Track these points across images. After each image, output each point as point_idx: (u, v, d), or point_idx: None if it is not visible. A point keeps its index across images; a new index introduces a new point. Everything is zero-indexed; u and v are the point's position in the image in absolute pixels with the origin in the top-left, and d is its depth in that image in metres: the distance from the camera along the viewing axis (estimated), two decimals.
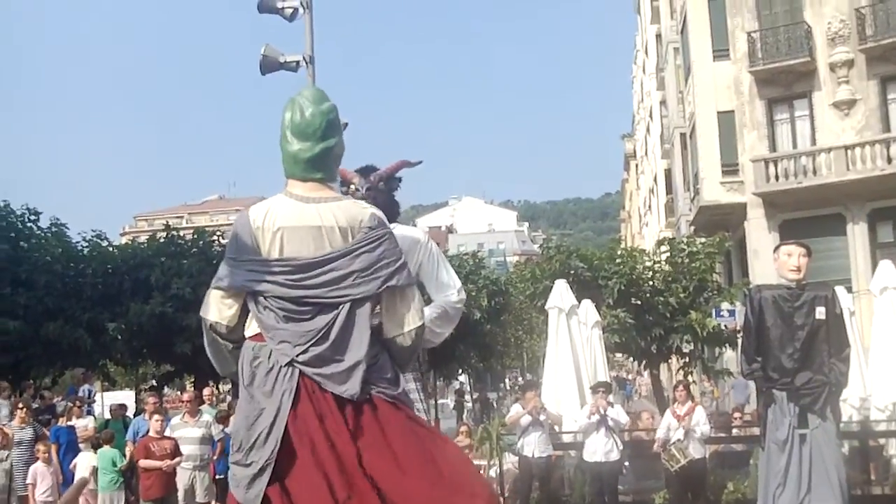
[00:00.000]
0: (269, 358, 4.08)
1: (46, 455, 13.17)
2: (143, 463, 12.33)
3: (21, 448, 13.70)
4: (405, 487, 3.93)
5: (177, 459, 12.41)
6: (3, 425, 14.70)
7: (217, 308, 4.27)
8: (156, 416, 13.00)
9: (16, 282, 22.71)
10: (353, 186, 5.71)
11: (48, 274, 23.13)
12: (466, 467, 4.16)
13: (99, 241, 25.57)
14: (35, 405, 17.41)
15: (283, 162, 4.30)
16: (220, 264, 4.29)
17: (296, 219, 4.16)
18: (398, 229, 5.66)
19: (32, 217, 24.80)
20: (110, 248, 26.11)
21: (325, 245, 4.13)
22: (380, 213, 4.32)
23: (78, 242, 25.50)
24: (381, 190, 5.68)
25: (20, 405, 14.88)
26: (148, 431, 13.09)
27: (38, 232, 24.89)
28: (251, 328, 4.21)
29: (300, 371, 4.01)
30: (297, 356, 4.01)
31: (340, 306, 4.08)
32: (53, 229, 25.16)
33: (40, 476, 12.87)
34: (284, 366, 4.03)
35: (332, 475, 3.90)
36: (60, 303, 22.93)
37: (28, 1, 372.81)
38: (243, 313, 4.22)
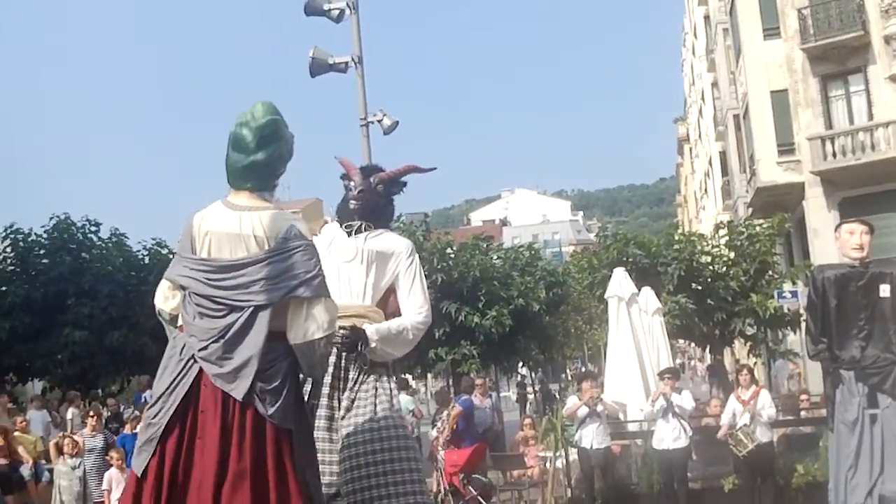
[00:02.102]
0: (181, 349, 4.39)
1: (121, 462, 13.39)
2: None
3: (93, 456, 13.96)
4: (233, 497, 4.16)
5: None
6: (75, 433, 15.00)
7: (163, 296, 4.72)
8: None
9: (79, 292, 23.09)
10: (351, 183, 5.75)
11: (110, 283, 23.48)
12: None
13: (159, 248, 25.90)
14: (105, 414, 17.69)
15: (225, 171, 4.63)
16: None
17: (221, 224, 4.46)
18: (386, 235, 5.67)
19: (93, 228, 25.17)
20: (170, 256, 26.38)
21: (240, 252, 4.41)
22: (301, 227, 4.53)
23: (138, 251, 25.86)
24: (377, 192, 5.70)
25: (91, 413, 15.14)
26: None
27: (99, 242, 25.26)
28: (180, 319, 4.55)
29: (200, 365, 4.30)
30: (198, 350, 4.30)
31: (244, 309, 4.32)
32: (114, 239, 25.52)
33: (115, 482, 13.09)
34: (189, 358, 4.33)
35: (193, 464, 4.21)
36: (124, 311, 23.27)
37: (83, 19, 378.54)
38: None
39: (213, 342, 4.30)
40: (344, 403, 5.25)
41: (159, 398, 4.40)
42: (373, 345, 5.22)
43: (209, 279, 4.41)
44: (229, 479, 4.18)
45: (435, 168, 6.23)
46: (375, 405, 5.25)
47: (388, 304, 5.58)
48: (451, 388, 23.82)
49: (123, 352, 22.70)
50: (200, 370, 4.32)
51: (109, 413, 18.06)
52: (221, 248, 4.45)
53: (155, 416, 4.34)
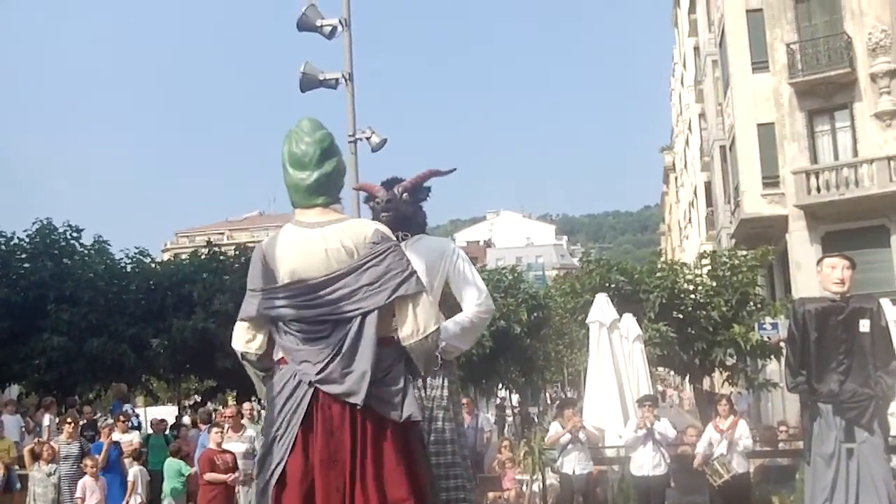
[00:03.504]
0: (292, 378, 4.31)
1: (94, 469, 13.31)
2: (208, 476, 12.37)
3: (68, 463, 13.86)
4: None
5: (237, 473, 12.49)
6: (50, 440, 14.90)
7: (243, 338, 4.52)
8: (215, 430, 13.11)
9: (60, 298, 23.02)
10: (378, 199, 5.78)
11: (91, 290, 23.42)
12: None
13: (142, 257, 25.87)
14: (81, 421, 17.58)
15: (287, 192, 4.56)
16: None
17: (302, 244, 4.38)
18: (425, 240, 5.73)
19: (75, 234, 25.16)
20: (153, 265, 26.39)
21: (333, 265, 4.33)
22: (383, 228, 4.51)
23: (121, 259, 25.81)
24: (406, 201, 5.73)
25: (68, 420, 15.05)
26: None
27: (81, 249, 25.20)
28: (277, 353, 4.46)
29: (316, 388, 4.23)
30: (315, 375, 4.23)
31: (353, 320, 4.27)
32: (96, 246, 25.48)
33: (89, 490, 13.02)
34: (306, 385, 4.25)
35: (329, 489, 4.14)
36: (104, 319, 23.20)
37: (75, 21, 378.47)
38: (271, 341, 4.46)
39: (329, 361, 4.25)
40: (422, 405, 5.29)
41: (275, 433, 4.30)
42: (443, 344, 5.25)
43: (305, 301, 4.34)
44: (371, 492, 4.14)
45: (455, 169, 6.18)
46: (444, 413, 5.32)
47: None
48: None
49: (102, 359, 22.60)
50: (314, 396, 4.25)
51: (85, 421, 17.94)
52: (311, 268, 4.36)
53: (274, 449, 4.27)
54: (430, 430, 5.24)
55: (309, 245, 4.37)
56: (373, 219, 5.79)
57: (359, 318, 4.27)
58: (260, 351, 4.50)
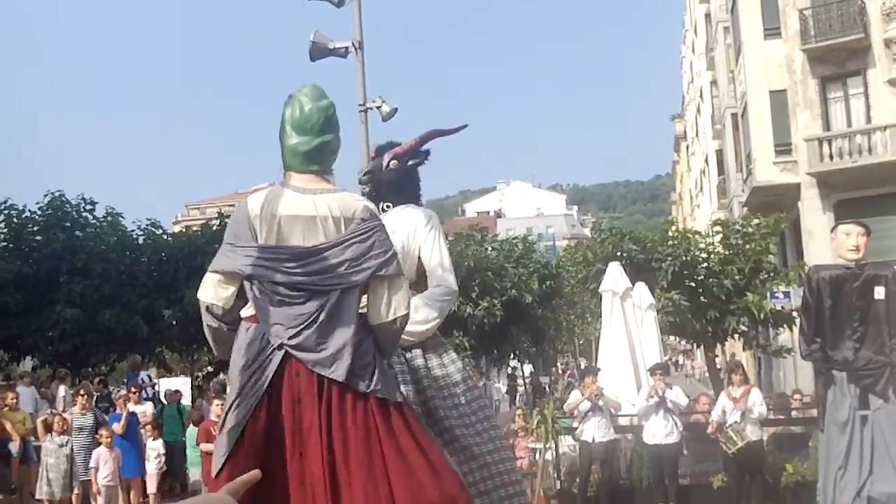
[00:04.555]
0: (261, 338, 4.30)
1: (109, 440, 13.36)
2: (203, 447, 12.46)
3: (82, 434, 13.91)
4: (350, 480, 4.10)
5: None
6: (64, 411, 14.96)
7: (214, 290, 4.49)
8: (216, 401, 13.18)
9: (72, 271, 23.04)
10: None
11: (104, 262, 23.43)
12: (415, 475, 4.18)
13: (153, 229, 25.87)
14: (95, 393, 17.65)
15: (283, 155, 4.53)
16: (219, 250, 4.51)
17: (293, 208, 4.37)
18: (405, 211, 5.58)
19: (88, 207, 25.13)
20: (164, 237, 26.38)
21: (320, 234, 4.34)
22: (372, 207, 4.50)
23: (133, 231, 25.80)
24: (392, 169, 5.57)
25: (81, 392, 15.10)
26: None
27: (94, 221, 25.20)
28: (247, 310, 4.41)
29: (287, 353, 4.23)
30: (287, 339, 4.22)
31: (331, 293, 4.28)
32: (109, 219, 25.47)
33: (103, 460, 13.09)
34: (276, 347, 4.25)
35: (291, 454, 4.13)
36: (116, 291, 23.22)
37: None
38: (239, 296, 4.43)
39: (304, 328, 4.24)
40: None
41: (240, 391, 4.28)
42: (425, 327, 5.18)
43: (286, 267, 4.32)
44: (340, 464, 4.12)
45: (466, 125, 6.02)
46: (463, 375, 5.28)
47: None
48: None
49: (115, 331, 22.64)
50: (283, 358, 4.25)
51: (99, 393, 18.01)
52: (294, 232, 4.37)
53: (236, 408, 4.24)
54: (456, 392, 5.18)
55: (300, 209, 4.37)
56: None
57: (337, 293, 4.28)
58: (227, 306, 4.46)
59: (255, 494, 4.07)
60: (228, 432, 4.22)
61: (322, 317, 4.26)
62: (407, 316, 4.41)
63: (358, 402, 4.22)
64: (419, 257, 5.39)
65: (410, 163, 5.66)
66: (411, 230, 5.42)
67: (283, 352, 4.25)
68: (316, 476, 4.13)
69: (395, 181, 5.57)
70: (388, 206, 5.50)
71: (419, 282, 5.39)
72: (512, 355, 30.44)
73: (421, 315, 5.22)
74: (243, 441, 4.21)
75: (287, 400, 4.23)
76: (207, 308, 4.52)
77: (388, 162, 5.58)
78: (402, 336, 5.19)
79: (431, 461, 4.21)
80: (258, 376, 4.27)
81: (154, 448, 14.79)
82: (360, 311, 4.38)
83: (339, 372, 4.19)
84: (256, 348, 4.31)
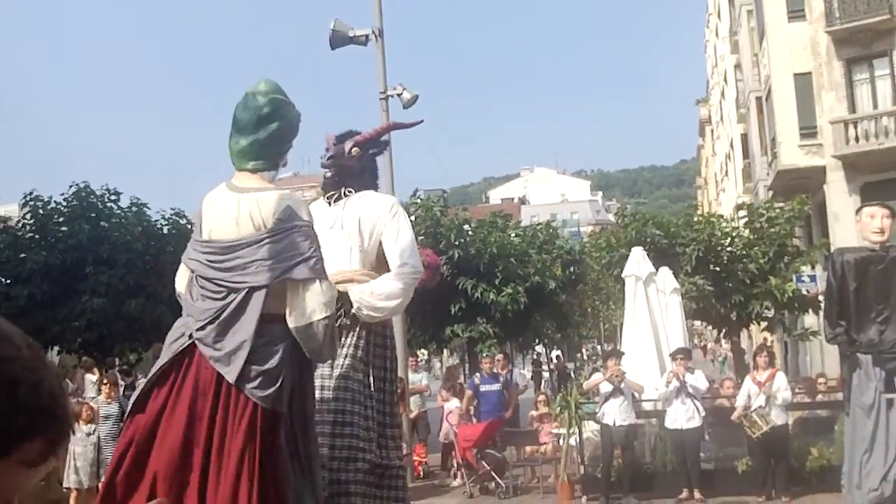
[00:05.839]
0: (182, 325, 4.49)
1: None
2: None
3: (108, 422, 14.03)
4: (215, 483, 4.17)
5: None
6: (91, 399, 15.07)
7: (180, 279, 4.79)
8: None
9: (97, 261, 23.15)
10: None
11: (129, 252, 23.53)
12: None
13: (178, 218, 25.94)
14: (121, 382, 17.76)
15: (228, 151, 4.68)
16: None
17: (221, 206, 4.52)
18: (368, 197, 5.63)
19: (113, 197, 25.22)
20: (189, 226, 26.45)
21: (238, 233, 4.45)
22: (296, 206, 4.53)
23: (157, 221, 25.90)
24: (354, 156, 5.63)
25: (105, 381, 15.21)
26: None
27: (119, 212, 25.31)
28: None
29: (195, 344, 4.37)
30: (196, 331, 4.36)
31: (240, 291, 4.36)
32: (133, 209, 25.57)
33: None
34: (188, 336, 4.40)
35: (183, 440, 4.22)
36: (141, 280, 23.33)
37: None
38: None
39: (208, 323, 4.34)
40: (342, 371, 5.24)
41: (154, 370, 4.50)
42: (355, 307, 5.16)
43: (210, 261, 4.46)
44: (213, 459, 4.19)
45: (421, 121, 6.19)
46: (353, 380, 5.25)
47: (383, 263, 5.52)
48: (467, 366, 23.87)
49: (141, 320, 22.77)
50: (191, 348, 4.38)
51: (125, 383, 18.12)
52: (223, 230, 4.49)
53: (145, 383, 4.52)
54: (337, 386, 5.20)
55: (224, 208, 4.48)
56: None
57: (245, 291, 4.34)
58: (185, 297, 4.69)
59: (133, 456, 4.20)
60: (133, 398, 4.58)
61: (225, 314, 4.32)
62: (327, 321, 4.38)
63: (248, 405, 4.24)
64: (380, 242, 5.46)
65: (371, 151, 5.75)
66: (375, 216, 5.47)
67: (191, 341, 4.37)
68: (195, 464, 4.19)
69: (356, 168, 5.66)
70: (349, 192, 5.56)
71: (379, 266, 5.43)
72: (537, 341, 30.40)
73: (386, 290, 5.25)
74: (143, 409, 4.35)
75: (190, 388, 4.31)
76: (179, 295, 4.79)
77: (350, 149, 5.63)
78: (370, 314, 5.21)
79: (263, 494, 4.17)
80: (166, 357, 4.43)
81: None
82: (276, 313, 4.40)
83: (231, 373, 4.24)
84: (176, 335, 4.47)
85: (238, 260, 4.38)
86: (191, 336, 4.37)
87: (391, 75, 17.52)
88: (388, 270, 5.40)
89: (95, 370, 19.89)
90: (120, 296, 22.78)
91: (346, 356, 5.27)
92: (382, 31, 17.25)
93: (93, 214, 24.39)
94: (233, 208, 4.46)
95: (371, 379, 5.38)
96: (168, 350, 4.46)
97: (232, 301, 4.34)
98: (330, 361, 5.12)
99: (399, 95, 17.16)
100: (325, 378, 5.20)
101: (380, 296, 5.24)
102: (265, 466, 4.18)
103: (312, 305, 4.34)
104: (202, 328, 4.34)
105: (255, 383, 4.24)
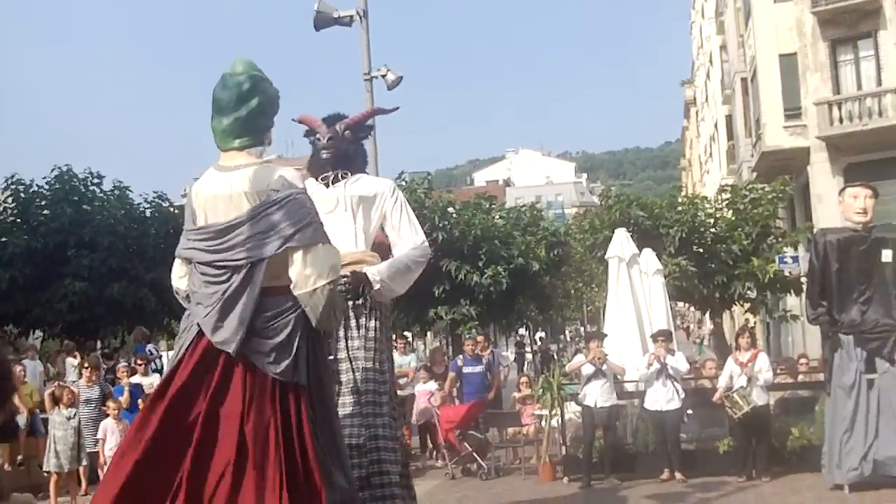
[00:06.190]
0: (188, 317, 4.51)
1: (117, 412, 13.39)
2: None
3: (89, 406, 13.98)
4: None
5: None
6: (72, 383, 15.00)
7: (177, 275, 4.82)
8: None
9: (80, 244, 23.02)
10: (318, 135, 5.69)
11: (111, 235, 23.40)
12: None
13: (160, 202, 25.82)
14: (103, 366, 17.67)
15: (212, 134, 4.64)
16: None
17: (212, 188, 4.47)
18: (364, 179, 5.64)
19: (95, 181, 25.05)
20: (172, 209, 26.32)
21: (234, 211, 4.41)
22: (289, 176, 4.48)
23: (140, 204, 25.76)
24: (347, 139, 5.64)
25: (87, 364, 15.15)
26: None
27: (101, 195, 25.16)
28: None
29: (201, 331, 4.37)
30: (203, 318, 4.35)
31: (242, 268, 4.33)
32: (116, 192, 25.42)
33: (110, 431, 13.11)
34: (196, 325, 4.41)
35: (191, 426, 4.21)
36: (124, 263, 23.21)
37: None
38: None
39: (214, 305, 4.32)
40: (354, 352, 5.26)
41: (170, 365, 4.49)
42: (377, 286, 5.19)
43: (209, 246, 4.42)
44: (235, 440, 4.15)
45: (398, 108, 6.30)
46: (374, 360, 5.28)
47: (372, 244, 5.56)
48: (450, 348, 23.85)
49: (123, 304, 22.66)
50: (199, 334, 4.37)
51: (106, 366, 18.05)
52: (217, 212, 4.44)
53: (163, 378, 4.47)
54: (355, 368, 5.22)
55: (216, 189, 4.43)
56: (312, 156, 5.75)
57: (247, 267, 4.31)
58: (188, 288, 4.68)
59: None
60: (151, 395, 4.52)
61: (228, 293, 4.30)
62: (331, 285, 4.35)
63: (266, 381, 4.24)
64: (382, 225, 5.48)
65: (359, 136, 5.76)
66: (378, 198, 5.48)
67: (198, 329, 4.37)
68: (215, 449, 4.17)
69: (351, 151, 5.67)
70: (345, 174, 5.55)
71: (378, 247, 5.44)
72: (520, 323, 30.41)
73: (406, 268, 5.32)
74: (158, 402, 4.33)
75: (194, 371, 4.30)
76: (175, 291, 4.82)
77: (343, 132, 5.63)
78: (392, 291, 5.26)
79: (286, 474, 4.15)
80: (179, 351, 4.44)
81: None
82: (288, 284, 4.36)
83: (230, 345, 4.23)
84: (185, 327, 4.48)
85: (238, 237, 4.34)
86: (198, 325, 4.38)
87: (376, 57, 17.45)
88: (388, 252, 5.45)
89: (77, 353, 19.79)
90: (102, 279, 22.66)
91: (373, 339, 5.36)
92: (367, 12, 17.17)
93: (75, 198, 24.23)
94: (224, 187, 4.41)
95: (387, 356, 5.55)
96: (179, 342, 4.50)
97: (234, 279, 4.31)
98: (361, 340, 5.23)
99: (384, 77, 17.08)
100: (357, 360, 5.26)
101: (400, 275, 5.36)
102: (290, 441, 4.16)
103: (318, 270, 4.29)
104: (208, 313, 4.33)
105: (271, 358, 4.22)
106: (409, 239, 5.47)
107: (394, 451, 5.35)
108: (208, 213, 4.45)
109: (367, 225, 5.46)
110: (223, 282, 4.33)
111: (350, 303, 5.25)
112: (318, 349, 4.51)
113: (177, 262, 4.77)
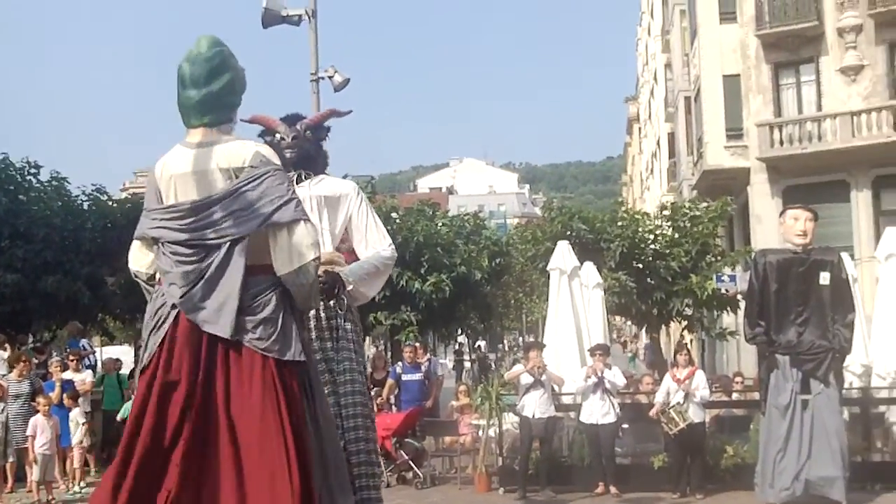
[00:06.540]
0: (161, 297, 4.29)
1: (47, 408, 13.11)
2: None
3: (18, 402, 13.66)
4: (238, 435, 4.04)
5: None
6: (1, 377, 14.65)
7: (135, 257, 4.61)
8: None
9: (14, 235, 22.57)
10: (277, 135, 5.63)
11: (47, 227, 22.97)
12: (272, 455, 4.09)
13: (99, 195, 25.37)
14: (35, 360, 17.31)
15: (179, 112, 4.47)
16: None
17: (183, 165, 4.31)
18: (327, 181, 5.60)
19: (32, 171, 24.56)
20: (110, 203, 25.92)
21: (208, 189, 4.25)
22: (265, 151, 4.38)
23: (77, 196, 25.31)
24: (308, 139, 5.61)
25: (18, 358, 14.79)
26: None
27: (38, 185, 24.69)
28: (159, 273, 4.45)
29: (180, 311, 4.18)
30: (179, 298, 4.17)
31: (221, 247, 4.18)
32: (54, 183, 24.95)
33: (40, 428, 12.83)
34: (171, 308, 4.20)
35: (178, 412, 4.07)
36: (59, 256, 22.78)
37: None
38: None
39: (192, 286, 4.16)
40: (331, 354, 5.23)
41: (142, 351, 4.34)
42: (349, 287, 5.15)
43: (181, 224, 4.25)
44: (223, 422, 4.04)
45: (352, 111, 6.17)
46: (353, 360, 5.27)
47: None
48: (388, 353, 23.78)
49: (57, 297, 22.22)
50: (176, 318, 4.19)
51: (38, 361, 17.68)
52: (188, 190, 4.29)
53: (140, 368, 4.31)
54: (330, 370, 5.21)
55: (189, 166, 4.29)
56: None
57: (227, 245, 4.18)
58: (150, 271, 4.55)
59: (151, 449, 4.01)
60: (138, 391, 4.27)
61: (209, 272, 4.17)
62: (314, 263, 4.26)
63: (255, 359, 4.12)
64: (347, 225, 5.46)
65: (317, 137, 5.73)
66: (342, 199, 5.45)
67: (177, 311, 4.19)
68: (211, 438, 4.05)
69: (313, 152, 5.62)
70: (308, 174, 5.51)
71: (341, 247, 5.41)
72: (460, 332, 30.43)
73: (376, 270, 5.31)
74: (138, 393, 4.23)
75: (183, 360, 4.14)
76: (135, 275, 4.59)
77: (305, 132, 5.58)
78: (364, 294, 5.23)
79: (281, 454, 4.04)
80: (153, 336, 4.23)
81: (73, 418, 14.15)
82: (269, 262, 4.26)
83: (223, 328, 4.10)
84: (156, 310, 4.28)
85: (215, 215, 4.19)
86: (174, 306, 4.18)
87: (323, 58, 17.37)
88: (353, 253, 5.43)
89: (7, 346, 19.36)
90: (36, 271, 22.21)
91: (349, 339, 5.31)
92: (316, 12, 17.09)
93: (11, 187, 23.73)
94: (197, 164, 4.27)
95: (362, 357, 5.53)
96: (148, 327, 4.28)
97: (214, 258, 4.16)
98: (331, 341, 5.21)
99: (331, 78, 17.00)
100: (331, 362, 5.24)
101: (373, 276, 5.38)
102: (293, 419, 4.06)
103: (301, 248, 4.17)
104: (186, 293, 4.15)
105: (256, 334, 4.11)
106: (375, 242, 5.45)
107: (376, 454, 5.44)
108: (178, 192, 4.30)
109: (333, 226, 5.42)
110: (199, 261, 4.18)
111: (321, 304, 5.18)
112: (301, 329, 4.41)
113: (135, 244, 4.58)
